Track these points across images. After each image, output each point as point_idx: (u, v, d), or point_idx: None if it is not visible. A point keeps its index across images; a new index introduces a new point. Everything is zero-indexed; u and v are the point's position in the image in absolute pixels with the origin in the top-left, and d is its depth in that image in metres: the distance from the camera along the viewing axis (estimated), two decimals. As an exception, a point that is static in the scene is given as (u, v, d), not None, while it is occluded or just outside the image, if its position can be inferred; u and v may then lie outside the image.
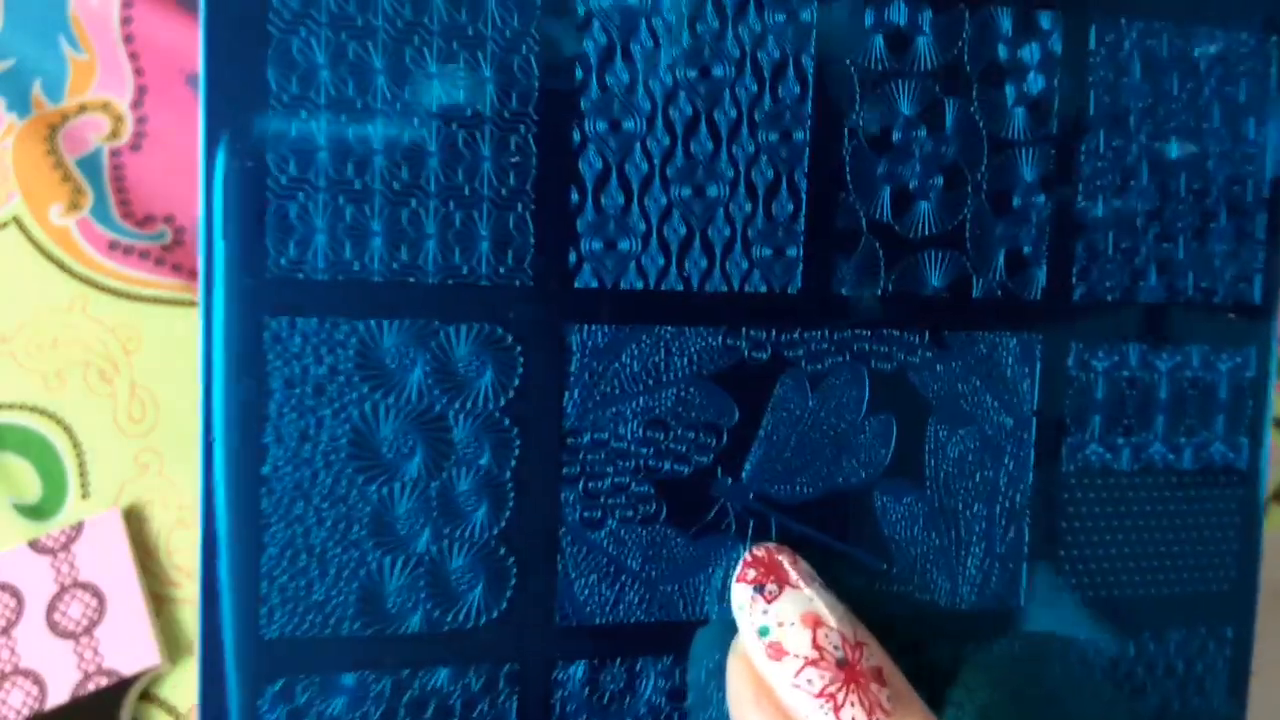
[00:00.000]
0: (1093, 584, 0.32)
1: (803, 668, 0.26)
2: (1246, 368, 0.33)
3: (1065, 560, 0.32)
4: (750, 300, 0.29)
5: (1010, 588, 0.31)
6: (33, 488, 0.37)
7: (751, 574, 0.28)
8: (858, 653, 0.26)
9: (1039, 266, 0.31)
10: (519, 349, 0.28)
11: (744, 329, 0.29)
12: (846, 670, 0.26)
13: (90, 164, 0.36)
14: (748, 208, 0.29)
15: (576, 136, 0.28)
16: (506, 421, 0.28)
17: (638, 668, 0.29)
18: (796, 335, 0.29)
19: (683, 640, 0.29)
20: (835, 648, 0.26)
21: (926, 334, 0.30)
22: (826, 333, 0.30)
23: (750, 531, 0.30)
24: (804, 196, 0.29)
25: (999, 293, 0.31)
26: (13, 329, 0.36)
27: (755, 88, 0.29)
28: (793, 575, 0.28)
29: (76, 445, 0.37)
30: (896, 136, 0.30)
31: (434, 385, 0.27)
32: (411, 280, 0.27)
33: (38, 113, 0.35)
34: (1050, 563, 0.31)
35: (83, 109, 0.36)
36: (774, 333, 0.29)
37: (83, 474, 0.37)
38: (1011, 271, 0.31)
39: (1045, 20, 0.30)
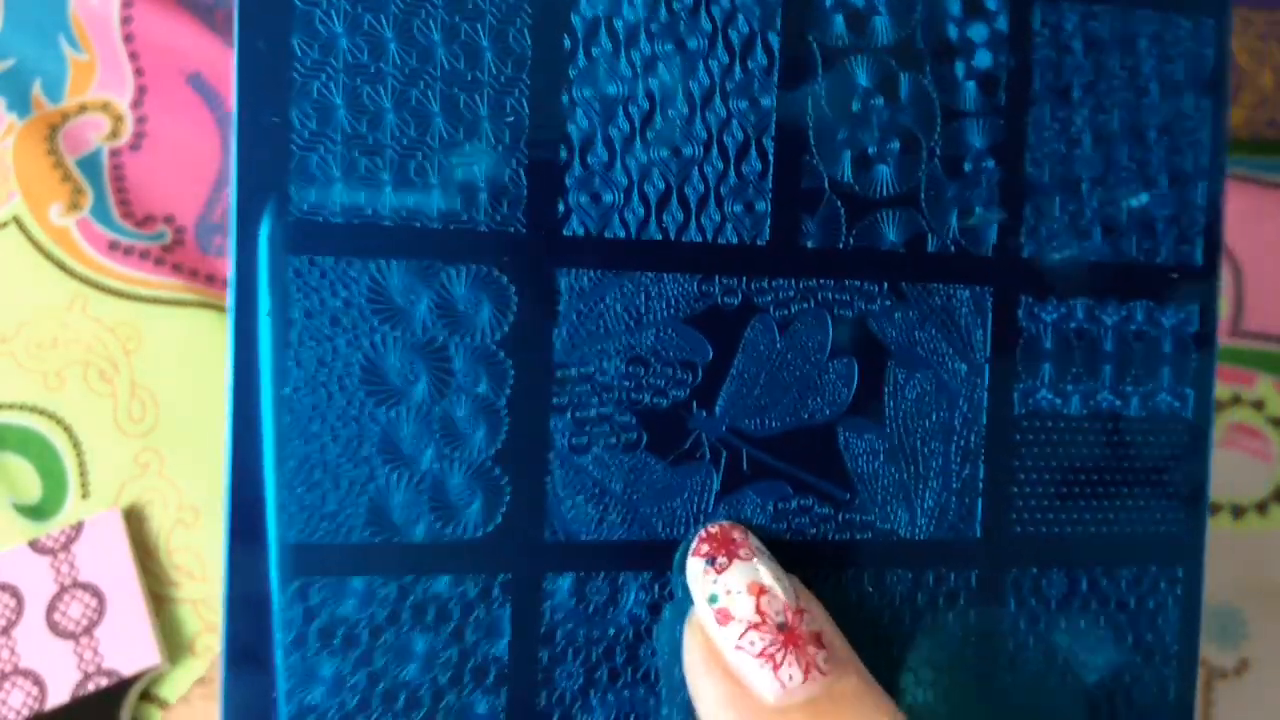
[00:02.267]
0: (1045, 521, 0.33)
1: (745, 631, 0.28)
2: (1190, 324, 0.34)
3: (1019, 497, 0.33)
4: (723, 251, 0.31)
5: (966, 520, 0.33)
6: (33, 488, 0.36)
7: (704, 549, 0.30)
8: (798, 618, 0.28)
9: (990, 226, 0.33)
10: (513, 289, 0.30)
11: (717, 276, 0.31)
12: (786, 634, 0.28)
13: (90, 164, 0.35)
14: (720, 167, 0.31)
15: (565, 100, 0.30)
16: (501, 354, 0.30)
17: (620, 581, 0.31)
18: (765, 283, 0.31)
19: (661, 557, 0.31)
20: (777, 613, 0.28)
21: (885, 285, 0.32)
22: (793, 282, 0.32)
23: (723, 460, 0.31)
24: (771, 158, 0.31)
25: (953, 249, 0.32)
26: (13, 329, 0.35)
27: (726, 59, 0.31)
28: (742, 550, 0.30)
29: (76, 445, 0.36)
30: (856, 106, 0.32)
31: (437, 319, 0.30)
32: (417, 225, 0.29)
33: (38, 113, 0.34)
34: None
35: (83, 109, 0.35)
36: (745, 280, 0.31)
37: (83, 474, 0.36)
38: (964, 230, 0.32)
39: (991, 2, 0.32)
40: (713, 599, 0.29)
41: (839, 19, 0.32)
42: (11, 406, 0.35)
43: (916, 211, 0.32)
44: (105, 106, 0.35)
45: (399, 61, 0.29)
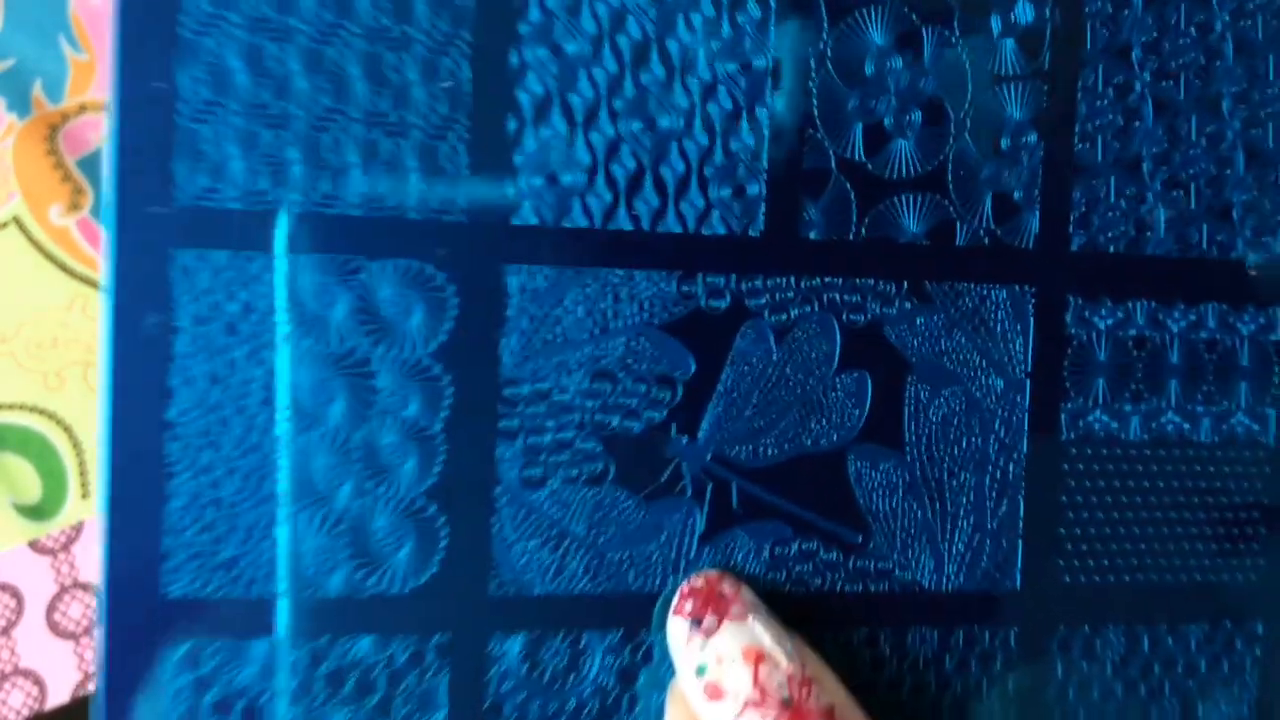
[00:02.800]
0: (1099, 568, 0.28)
1: (743, 709, 0.23)
2: (1272, 330, 0.28)
3: (1066, 540, 0.27)
4: (707, 243, 0.26)
5: (1004, 568, 0.27)
6: (33, 488, 0.35)
7: (689, 606, 0.24)
8: (805, 690, 0.23)
9: (1031, 213, 0.27)
10: (451, 290, 0.25)
11: (700, 274, 0.26)
12: (792, 711, 0.22)
13: (90, 164, 0.35)
14: (704, 142, 0.25)
15: (514, 61, 0.25)
16: (437, 369, 0.25)
17: (583, 643, 0.25)
18: (759, 282, 0.26)
19: (632, 614, 0.26)
20: (780, 686, 0.23)
21: (905, 284, 0.26)
22: (793, 280, 0.26)
23: (708, 496, 0.26)
24: (766, 132, 0.26)
25: (986, 240, 0.27)
26: (13, 329, 0.35)
27: (712, 11, 0.25)
28: (734, 606, 0.24)
29: (76, 445, 0.36)
30: (869, 69, 0.26)
31: (357, 326, 0.24)
32: (332, 212, 0.24)
33: (38, 113, 0.34)
34: None
35: (83, 109, 0.35)
36: (734, 279, 0.26)
37: (83, 474, 0.36)
38: (1000, 218, 0.27)
39: (1033, -56, 0.27)
40: (701, 670, 0.23)
41: (848, -36, 0.26)
42: (11, 406, 0.35)
43: (943, 196, 0.27)
44: (105, 106, 0.34)
45: (311, 14, 0.24)
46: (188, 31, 0.24)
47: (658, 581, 0.26)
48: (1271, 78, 0.28)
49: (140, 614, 0.24)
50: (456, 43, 0.25)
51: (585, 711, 0.26)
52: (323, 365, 0.24)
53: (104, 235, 0.24)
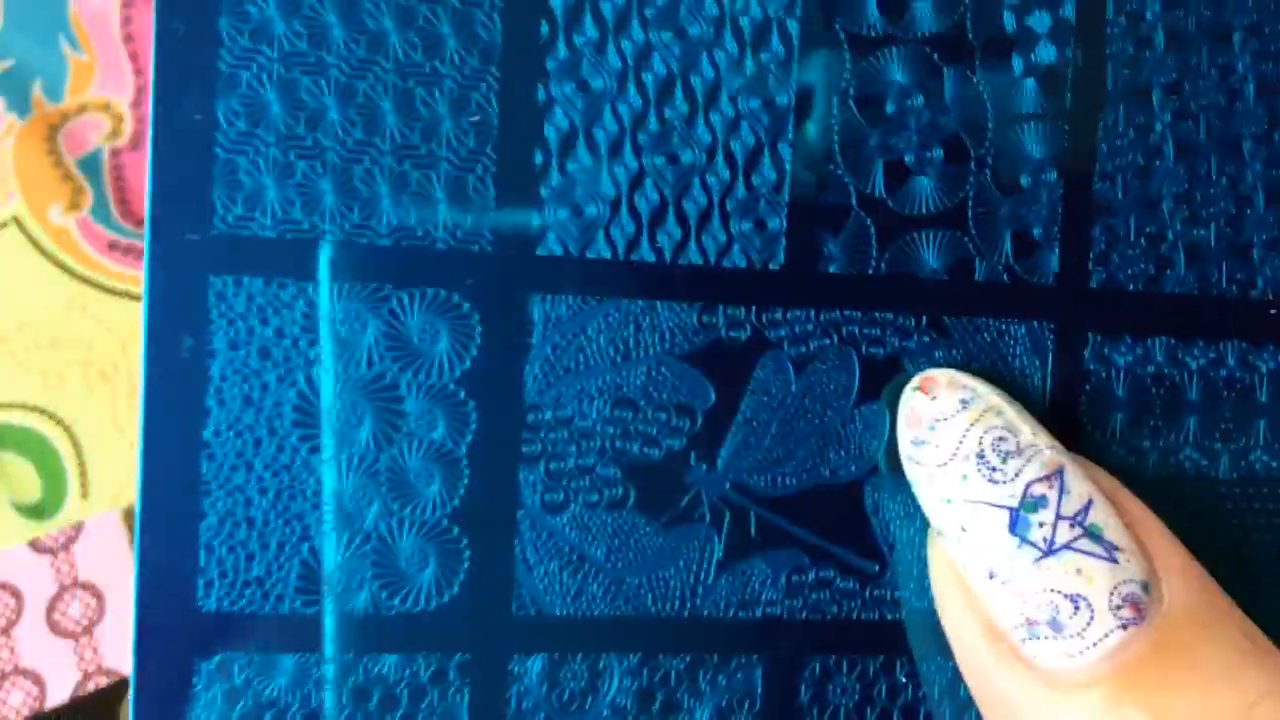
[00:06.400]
0: (1115, 601, 0.25)
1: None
2: (1291, 369, 0.26)
3: (1083, 573, 0.25)
4: (728, 275, 0.24)
5: (1019, 600, 0.25)
6: (33, 488, 0.33)
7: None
8: None
9: (1051, 250, 0.25)
10: (476, 317, 0.23)
11: (721, 306, 0.24)
12: None
13: (90, 164, 0.33)
14: (726, 177, 0.24)
15: (541, 96, 0.23)
16: (462, 394, 0.23)
17: (601, 665, 0.24)
18: (779, 315, 0.24)
19: (651, 637, 0.24)
20: None
21: (924, 318, 0.25)
22: (812, 313, 0.24)
23: (726, 523, 0.24)
24: (788, 167, 0.24)
25: (1005, 277, 0.25)
26: (12, 329, 0.33)
27: (736, 50, 0.24)
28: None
29: (76, 445, 0.33)
30: (890, 107, 0.24)
31: (385, 352, 0.23)
32: (363, 241, 0.23)
33: (38, 113, 0.32)
34: None
35: (83, 109, 0.33)
36: (754, 311, 0.24)
37: (83, 474, 0.33)
38: (1020, 254, 0.25)
39: (1056, -15, 0.25)
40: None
41: (872, 3, 0.24)
42: (11, 406, 0.33)
43: (962, 233, 0.25)
44: (105, 106, 0.33)
45: (344, 50, 0.23)
46: (225, 65, 0.23)
47: (675, 606, 0.24)
48: (1294, 118, 0.26)
49: (173, 627, 0.23)
50: (486, 78, 0.23)
51: (602, 732, 0.24)
52: (353, 389, 0.23)
53: (144, 258, 0.23)
